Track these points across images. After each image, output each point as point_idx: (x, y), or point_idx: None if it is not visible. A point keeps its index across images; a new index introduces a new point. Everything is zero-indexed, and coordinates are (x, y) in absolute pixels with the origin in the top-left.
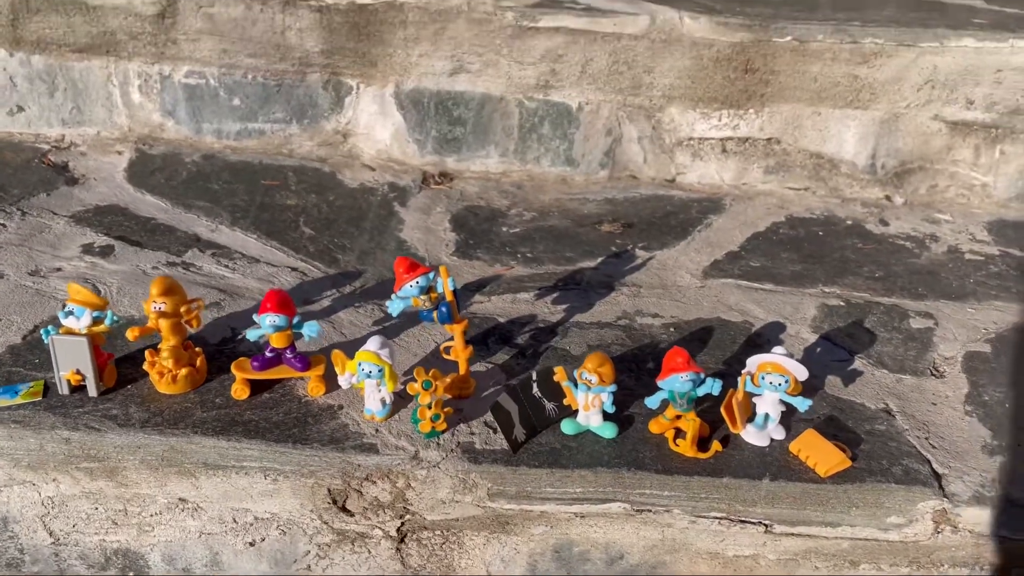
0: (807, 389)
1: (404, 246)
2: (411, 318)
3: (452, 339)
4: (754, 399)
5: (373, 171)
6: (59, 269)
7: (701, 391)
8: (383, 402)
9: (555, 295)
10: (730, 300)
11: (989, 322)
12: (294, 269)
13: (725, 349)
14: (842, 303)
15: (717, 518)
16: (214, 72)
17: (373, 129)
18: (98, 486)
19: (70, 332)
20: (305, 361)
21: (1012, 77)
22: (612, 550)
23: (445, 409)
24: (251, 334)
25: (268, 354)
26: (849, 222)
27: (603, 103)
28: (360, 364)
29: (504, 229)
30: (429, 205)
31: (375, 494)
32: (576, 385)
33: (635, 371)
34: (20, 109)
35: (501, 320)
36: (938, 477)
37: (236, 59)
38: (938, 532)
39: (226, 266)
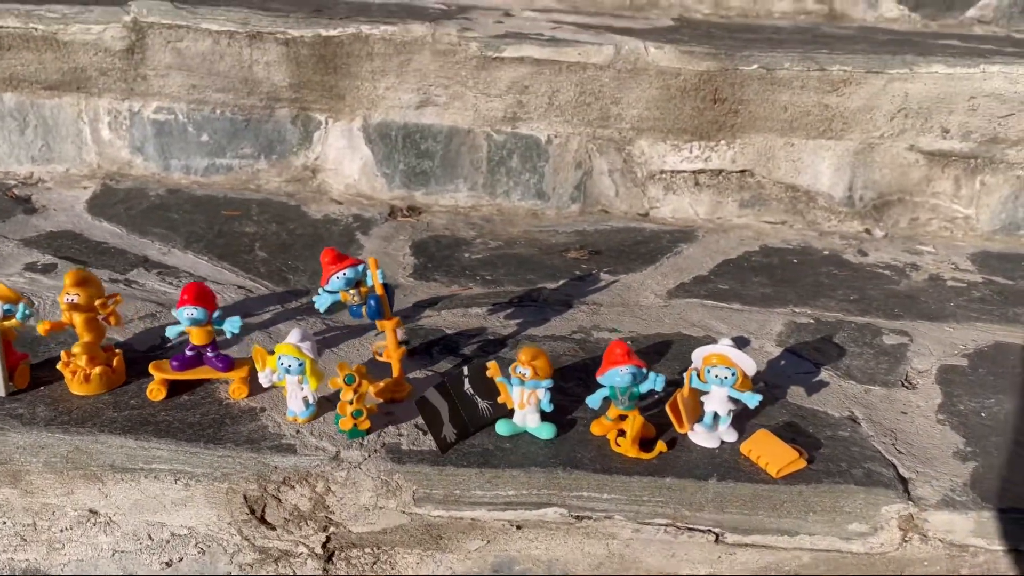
0: (766, 398)
1: None
2: (354, 330)
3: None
4: (702, 398)
5: (340, 205)
6: None
7: (644, 387)
8: (306, 402)
9: (509, 311)
10: (693, 317)
11: (968, 340)
12: (241, 287)
13: (684, 361)
14: (812, 321)
15: (663, 525)
16: (183, 108)
17: (342, 164)
18: (3, 495)
19: None
20: (228, 361)
21: (986, 104)
22: (555, 568)
23: (368, 406)
24: (171, 331)
25: (188, 352)
26: (826, 252)
27: (572, 135)
28: (279, 358)
29: (466, 255)
30: (392, 234)
31: (294, 501)
32: (511, 381)
33: (584, 380)
34: None
35: (449, 332)
36: (904, 481)
37: (204, 94)
38: (906, 541)
39: (169, 283)
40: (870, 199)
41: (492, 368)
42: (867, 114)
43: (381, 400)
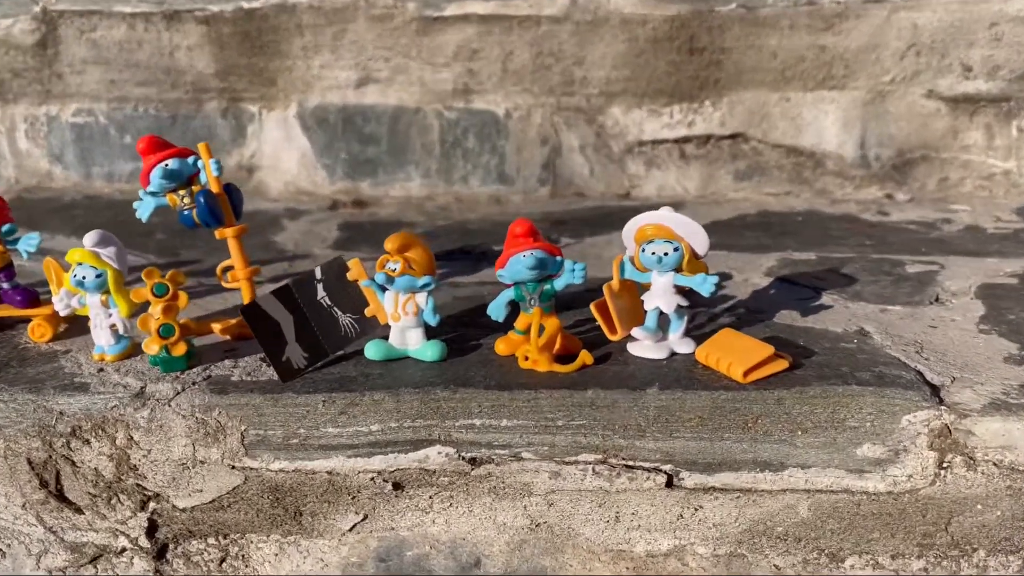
0: (746, 319)
1: (270, 244)
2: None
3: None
4: (643, 296)
5: (278, 202)
6: None
7: (559, 283)
8: (115, 332)
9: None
10: None
11: (1017, 266)
12: None
13: None
14: (813, 256)
15: (591, 464)
16: (103, 108)
17: (279, 158)
18: None
19: None
20: (28, 295)
21: (1012, 31)
22: (461, 552)
23: (183, 322)
24: None
25: None
26: (839, 214)
27: (534, 107)
28: (73, 271)
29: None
30: (325, 219)
31: (93, 462)
32: (382, 287)
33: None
34: None
35: None
36: (935, 388)
37: (125, 90)
38: (944, 469)
39: (36, 260)
40: (888, 158)
41: (354, 268)
42: (871, 54)
43: (227, 337)
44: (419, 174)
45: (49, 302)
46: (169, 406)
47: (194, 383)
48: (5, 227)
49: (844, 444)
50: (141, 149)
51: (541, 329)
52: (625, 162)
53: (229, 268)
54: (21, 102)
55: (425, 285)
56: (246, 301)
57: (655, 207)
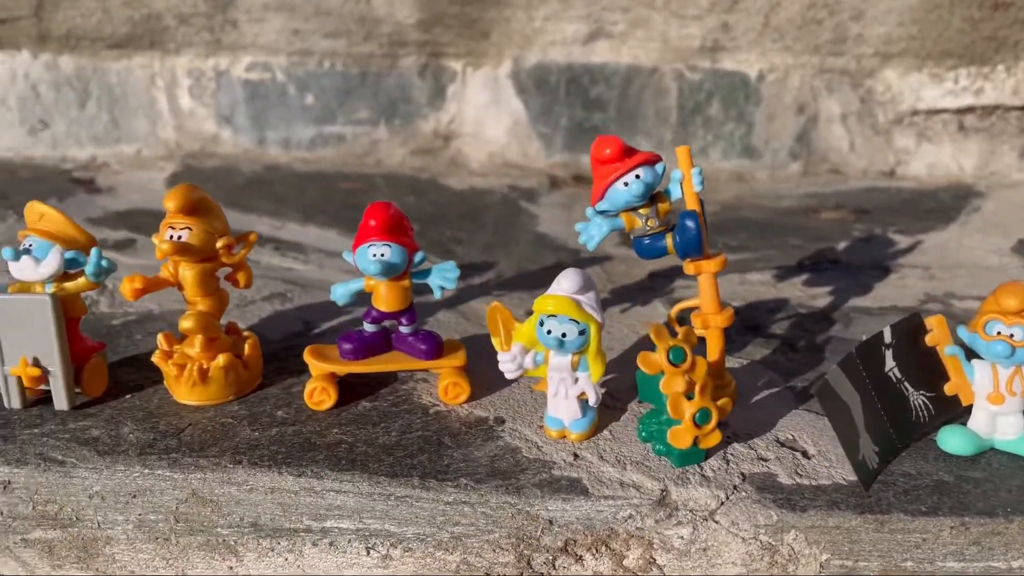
0: None
1: (545, 239)
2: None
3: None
4: None
5: (484, 178)
6: None
7: None
8: (582, 404)
9: (805, 276)
10: None
11: None
12: None
13: None
14: None
15: None
16: (282, 63)
17: (483, 126)
18: None
19: (24, 288)
20: (434, 343)
21: None
22: None
23: (721, 403)
24: (339, 292)
25: (367, 327)
26: None
27: (792, 68)
28: (543, 323)
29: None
30: (567, 203)
31: None
32: (971, 354)
33: None
34: (44, 126)
35: (735, 304)
36: None
37: (310, 42)
38: None
39: (294, 259)
40: None
41: (937, 328)
42: None
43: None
44: (650, 145)
45: (456, 349)
46: (715, 522)
47: (733, 487)
48: (418, 257)
49: None
50: (606, 156)
51: None
52: (892, 134)
53: (691, 310)
54: (185, 53)
55: None
56: (712, 356)
57: (935, 187)
